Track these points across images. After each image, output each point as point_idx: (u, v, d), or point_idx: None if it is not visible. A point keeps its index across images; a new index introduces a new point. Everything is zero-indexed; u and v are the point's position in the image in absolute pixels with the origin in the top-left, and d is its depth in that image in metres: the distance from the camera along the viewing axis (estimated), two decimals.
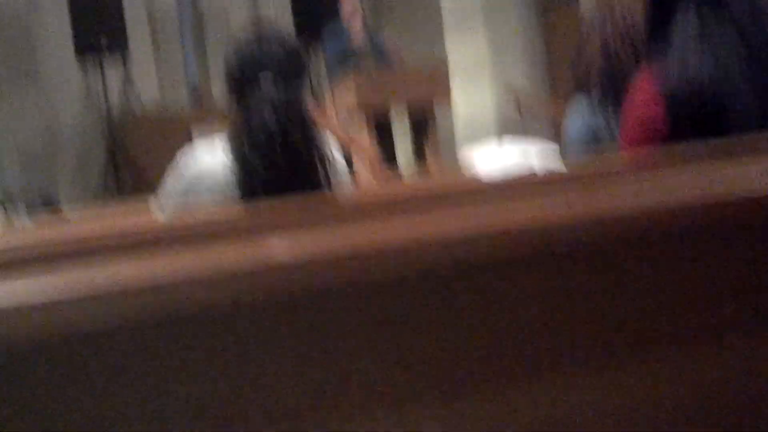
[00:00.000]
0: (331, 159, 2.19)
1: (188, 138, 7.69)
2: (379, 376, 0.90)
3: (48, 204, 7.31)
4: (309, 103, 2.23)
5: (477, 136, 9.93)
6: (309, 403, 0.87)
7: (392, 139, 6.35)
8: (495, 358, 0.94)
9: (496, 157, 3.33)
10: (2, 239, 1.95)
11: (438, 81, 5.72)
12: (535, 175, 1.95)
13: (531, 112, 7.29)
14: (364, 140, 5.30)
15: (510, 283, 0.94)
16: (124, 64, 8.75)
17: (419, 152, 5.85)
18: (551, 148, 3.19)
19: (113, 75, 8.80)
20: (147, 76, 9.40)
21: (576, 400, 0.96)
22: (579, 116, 2.79)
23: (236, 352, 0.85)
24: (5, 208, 7.34)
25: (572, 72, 2.84)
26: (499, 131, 9.91)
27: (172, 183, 2.31)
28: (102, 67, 8.36)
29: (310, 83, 2.40)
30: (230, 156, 2.14)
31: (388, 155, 5.38)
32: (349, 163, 5.14)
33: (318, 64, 6.80)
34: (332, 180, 2.17)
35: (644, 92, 2.01)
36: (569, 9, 8.89)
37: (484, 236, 0.91)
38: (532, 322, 0.95)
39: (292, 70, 2.22)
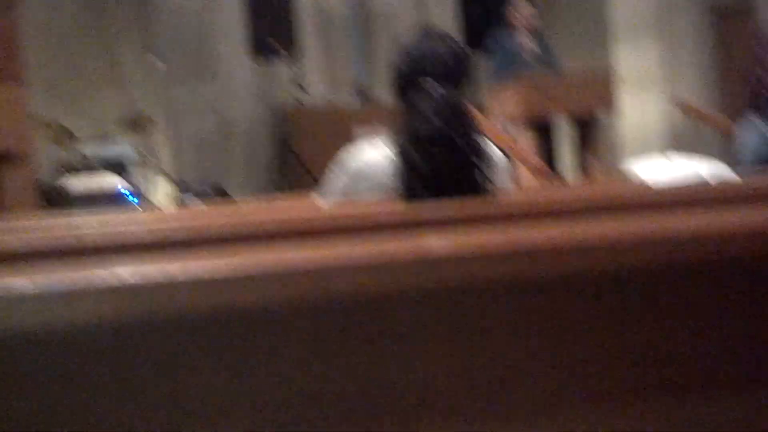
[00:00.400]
0: (492, 160, 2.19)
1: (353, 135, 7.88)
2: (531, 372, 0.91)
3: (219, 194, 7.63)
4: (471, 105, 2.25)
5: (643, 148, 9.67)
6: (458, 392, 0.90)
7: (554, 145, 6.28)
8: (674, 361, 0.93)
9: (662, 169, 3.23)
10: (178, 219, 2.07)
11: (604, 90, 5.62)
12: (707, 185, 1.89)
13: (700, 126, 7.02)
14: (526, 145, 5.27)
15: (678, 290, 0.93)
16: (295, 63, 9.06)
17: (582, 161, 5.76)
18: (720, 165, 3.07)
19: (284, 73, 9.13)
20: (316, 75, 9.69)
21: None
22: (753, 133, 2.68)
23: (390, 337, 0.88)
24: (180, 196, 7.72)
25: (744, 87, 2.74)
26: (666, 144, 9.62)
27: (336, 179, 2.38)
28: (273, 66, 8.66)
29: (473, 87, 2.40)
30: (393, 154, 2.18)
31: (550, 162, 5.32)
32: (511, 166, 5.12)
33: (483, 69, 6.80)
34: (493, 181, 2.18)
35: None
36: (743, 20, 8.54)
37: (650, 241, 0.91)
38: (695, 328, 0.94)
39: (456, 73, 2.25)
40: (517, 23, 6.45)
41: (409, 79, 2.26)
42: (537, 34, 6.54)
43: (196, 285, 0.81)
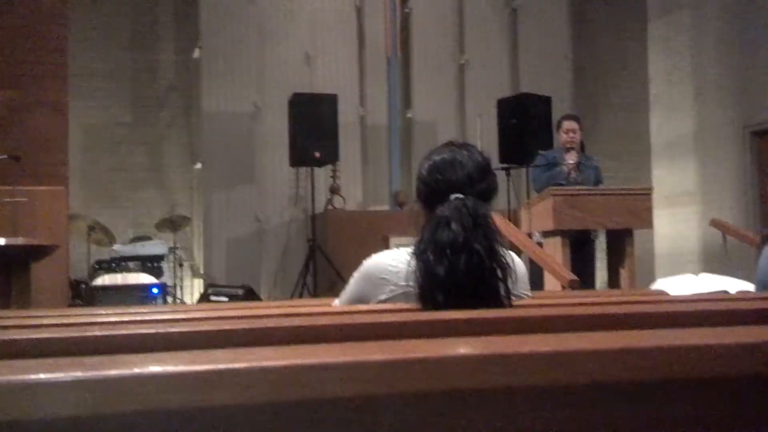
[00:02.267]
0: (511, 269, 2.19)
1: (385, 240, 7.93)
2: None
3: (248, 295, 7.66)
4: (493, 217, 2.26)
5: (677, 266, 9.61)
6: None
7: (589, 260, 6.29)
8: None
9: (690, 286, 3.20)
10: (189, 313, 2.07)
11: (641, 206, 5.64)
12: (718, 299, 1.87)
13: (735, 245, 6.97)
14: (556, 255, 5.26)
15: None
16: (334, 172, 9.22)
17: (614, 276, 5.73)
18: (747, 285, 3.04)
19: (322, 180, 9.30)
20: (354, 182, 9.84)
21: None
22: None
23: None
24: (209, 294, 7.78)
25: None
26: (700, 266, 9.55)
27: (354, 283, 2.39)
28: (313, 176, 8.81)
29: (496, 197, 2.42)
30: (414, 260, 2.19)
31: (584, 275, 5.29)
32: (539, 275, 5.11)
33: (520, 182, 6.89)
34: (511, 289, 2.17)
35: None
36: None
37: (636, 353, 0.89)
38: None
39: (478, 183, 2.27)
40: (560, 139, 6.64)
41: (431, 188, 2.30)
42: (582, 152, 6.67)
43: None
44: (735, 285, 3.11)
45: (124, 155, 10.04)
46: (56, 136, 7.45)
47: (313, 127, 8.57)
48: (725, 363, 0.92)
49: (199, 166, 9.82)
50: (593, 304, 2.16)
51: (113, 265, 8.19)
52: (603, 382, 0.90)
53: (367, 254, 2.43)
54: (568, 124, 6.71)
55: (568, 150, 6.55)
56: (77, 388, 0.76)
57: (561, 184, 6.21)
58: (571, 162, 6.47)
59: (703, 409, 0.94)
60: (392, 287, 2.30)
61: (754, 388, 0.95)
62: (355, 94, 10.05)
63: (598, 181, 6.60)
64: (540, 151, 6.86)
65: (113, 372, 0.77)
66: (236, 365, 0.78)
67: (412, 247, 2.24)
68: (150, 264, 8.28)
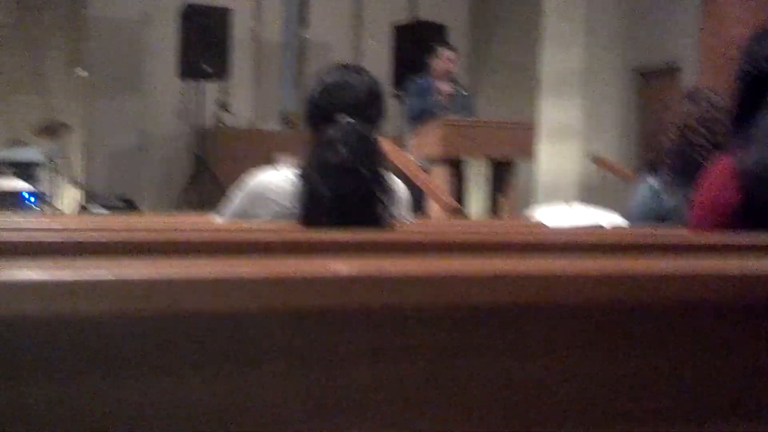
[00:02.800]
0: (395, 194, 2.21)
1: (272, 159, 7.86)
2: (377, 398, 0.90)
3: (128, 207, 7.51)
4: (383, 139, 2.27)
5: (555, 196, 9.88)
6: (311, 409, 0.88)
7: (466, 185, 6.40)
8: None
9: (564, 216, 3.29)
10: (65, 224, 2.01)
11: (523, 138, 5.76)
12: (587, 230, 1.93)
13: (612, 179, 7.22)
14: (440, 181, 5.34)
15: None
16: (224, 87, 9.02)
17: (495, 204, 5.86)
18: (619, 217, 3.15)
19: (211, 95, 9.09)
20: (243, 99, 9.67)
21: None
22: (643, 196, 2.78)
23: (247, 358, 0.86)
24: (87, 206, 7.58)
25: (646, 150, 2.85)
26: (577, 194, 9.85)
27: (235, 199, 2.37)
28: (202, 90, 8.60)
29: (387, 121, 2.43)
30: (299, 181, 2.18)
31: (461, 200, 5.40)
32: (422, 199, 5.19)
33: (403, 108, 6.93)
34: (393, 213, 2.19)
35: (721, 179, 1.98)
36: (665, 81, 8.83)
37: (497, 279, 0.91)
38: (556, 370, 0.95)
39: (368, 107, 2.27)
40: (437, 67, 6.67)
41: (321, 109, 2.29)
42: (455, 80, 6.74)
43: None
44: (606, 217, 3.21)
45: (3, 56, 9.55)
46: None
47: (204, 40, 8.36)
48: (591, 289, 0.95)
49: (83, 72, 9.44)
50: (469, 231, 2.20)
51: None
52: (474, 305, 0.92)
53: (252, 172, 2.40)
54: (449, 53, 6.75)
55: (442, 78, 6.60)
56: None
57: (435, 113, 6.27)
58: (447, 92, 6.53)
59: (571, 333, 0.97)
60: (276, 208, 2.29)
61: (619, 314, 0.98)
62: (249, 9, 9.81)
63: (470, 113, 6.71)
64: (413, 78, 6.87)
65: None
66: (98, 273, 0.76)
67: (298, 168, 2.23)
68: (26, 171, 7.97)
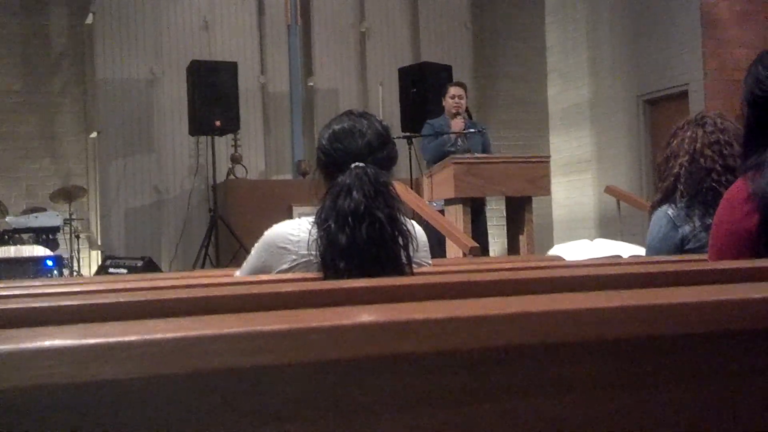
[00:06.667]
0: (412, 236, 2.21)
1: (289, 209, 7.90)
2: None
3: (148, 267, 7.53)
4: (394, 185, 2.28)
5: (574, 232, 9.87)
6: None
7: (483, 229, 6.41)
8: None
9: (585, 251, 3.29)
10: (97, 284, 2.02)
11: (537, 174, 5.75)
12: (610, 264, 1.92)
13: (629, 213, 7.20)
14: (458, 223, 5.33)
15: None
16: (235, 141, 9.10)
17: (513, 243, 5.84)
18: (641, 250, 3.14)
19: (223, 149, 9.17)
20: (255, 152, 9.74)
21: None
22: (659, 225, 2.78)
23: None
24: (107, 266, 7.61)
25: (659, 178, 2.85)
26: (595, 230, 9.84)
27: (253, 253, 2.38)
28: (213, 145, 8.67)
29: (396, 165, 2.45)
30: (315, 229, 2.19)
31: (480, 244, 5.38)
32: (441, 242, 5.19)
33: (419, 150, 6.97)
34: (412, 257, 2.20)
35: (737, 204, 1.97)
36: (677, 107, 8.84)
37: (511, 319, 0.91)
38: (579, 404, 0.94)
39: (378, 152, 2.29)
40: (446, 106, 6.74)
41: (332, 157, 2.31)
42: (469, 119, 6.79)
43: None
44: (628, 249, 3.21)
45: (15, 124, 9.67)
46: None
47: (212, 96, 8.44)
48: (616, 324, 0.95)
49: (94, 135, 9.56)
50: (491, 270, 2.20)
51: (6, 237, 7.93)
52: (499, 347, 0.91)
53: (270, 224, 2.42)
54: (453, 90, 6.81)
55: (454, 116, 6.65)
56: None
57: (450, 152, 6.31)
58: (458, 129, 6.57)
59: (597, 370, 0.96)
60: (294, 257, 2.29)
61: (643, 348, 0.98)
62: (255, 62, 9.91)
63: (485, 148, 6.73)
64: (427, 121, 6.93)
65: (1, 347, 0.74)
66: (127, 338, 0.76)
67: (314, 216, 2.24)
68: (45, 236, 8.04)
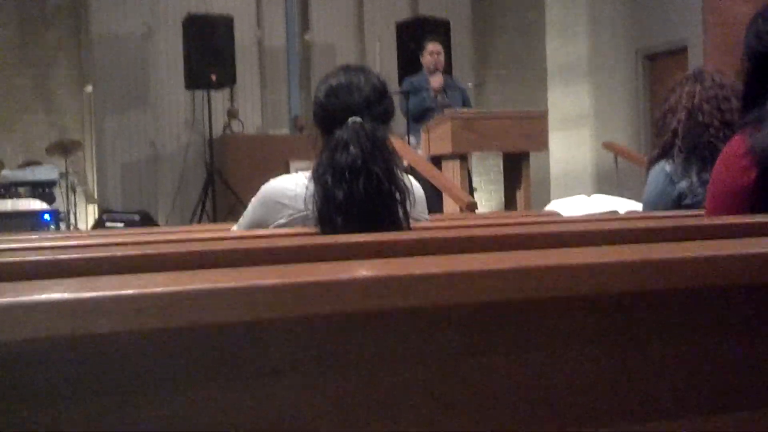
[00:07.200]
0: (409, 191, 2.21)
1: (286, 164, 7.88)
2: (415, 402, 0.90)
3: (145, 220, 7.53)
4: (392, 141, 2.27)
5: (571, 188, 9.87)
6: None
7: (473, 181, 6.44)
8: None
9: (582, 207, 3.29)
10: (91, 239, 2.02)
11: (535, 130, 5.73)
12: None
13: (626, 169, 7.20)
14: (454, 177, 5.33)
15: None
16: (231, 96, 9.04)
17: (510, 198, 5.84)
18: (637, 204, 3.14)
19: (219, 103, 9.11)
20: (252, 106, 9.69)
21: None
22: (656, 181, 2.77)
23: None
24: (104, 221, 7.61)
25: (657, 134, 2.84)
26: (592, 186, 9.83)
27: (252, 208, 2.37)
28: (209, 100, 8.61)
29: (394, 119, 2.44)
30: (314, 186, 2.18)
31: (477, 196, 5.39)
32: (438, 196, 5.19)
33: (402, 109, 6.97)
34: (409, 212, 2.19)
35: (735, 159, 1.96)
36: (676, 63, 8.79)
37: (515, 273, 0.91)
38: (564, 362, 0.95)
39: (375, 106, 2.27)
40: (426, 62, 6.72)
41: (329, 112, 2.29)
42: (447, 75, 6.80)
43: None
44: (625, 205, 3.21)
45: (10, 77, 9.60)
46: None
47: (208, 50, 8.37)
48: (611, 280, 0.95)
49: (89, 88, 9.49)
50: (488, 225, 2.20)
51: (2, 191, 7.91)
52: (495, 302, 0.92)
53: (266, 179, 2.41)
54: (432, 47, 6.79)
55: (433, 72, 6.63)
56: None
57: (431, 108, 6.33)
58: (437, 85, 6.56)
59: (593, 325, 0.97)
60: (290, 211, 2.29)
61: (638, 303, 0.98)
62: (251, 16, 9.81)
63: (465, 104, 6.73)
64: (406, 78, 6.93)
65: None
66: (124, 291, 0.76)
67: (311, 171, 2.23)
68: (41, 190, 8.02)
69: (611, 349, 0.97)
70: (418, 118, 6.40)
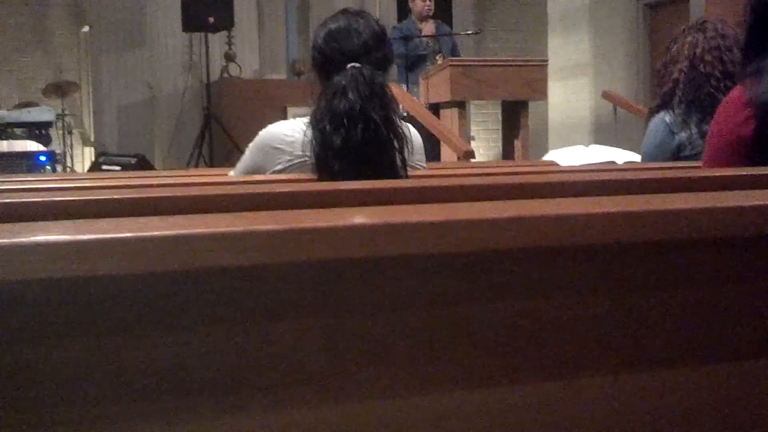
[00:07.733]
0: (407, 138, 2.20)
1: (283, 109, 7.84)
2: (406, 352, 0.91)
3: (141, 163, 7.52)
4: (389, 86, 2.26)
5: (570, 137, 9.84)
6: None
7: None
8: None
9: (580, 157, 3.29)
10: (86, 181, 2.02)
11: (535, 78, 5.68)
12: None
13: (625, 119, 7.17)
14: (453, 127, 5.31)
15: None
16: (229, 39, 8.95)
17: (509, 147, 5.82)
18: (635, 155, 3.14)
19: (216, 47, 9.03)
20: (249, 50, 9.60)
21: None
22: (656, 131, 2.77)
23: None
24: (100, 163, 7.59)
25: (657, 84, 2.83)
26: (590, 136, 9.81)
27: (250, 155, 2.37)
28: (207, 42, 8.53)
29: (393, 66, 2.42)
30: (312, 132, 2.18)
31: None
32: (437, 144, 5.18)
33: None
34: (407, 160, 2.19)
35: (734, 111, 1.95)
36: (678, 13, 8.72)
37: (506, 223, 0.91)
38: (549, 311, 0.95)
39: (375, 52, 2.26)
40: (415, 9, 6.67)
41: (327, 57, 2.28)
42: (436, 20, 6.76)
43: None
44: (623, 156, 3.21)
45: (6, 16, 9.50)
46: None
47: None
48: (607, 230, 0.95)
49: (86, 29, 9.39)
50: (486, 174, 2.20)
51: None
52: (491, 250, 0.92)
53: (264, 125, 2.40)
54: None
55: (424, 19, 6.58)
56: None
57: (422, 55, 6.30)
58: (429, 32, 6.51)
59: (588, 274, 0.97)
60: (288, 157, 2.28)
61: (634, 254, 0.99)
62: None
63: (454, 50, 6.69)
64: (394, 25, 6.89)
65: None
66: (121, 234, 0.76)
67: (309, 117, 2.22)
68: (37, 131, 7.98)
69: (607, 299, 0.98)
70: (411, 66, 6.37)
